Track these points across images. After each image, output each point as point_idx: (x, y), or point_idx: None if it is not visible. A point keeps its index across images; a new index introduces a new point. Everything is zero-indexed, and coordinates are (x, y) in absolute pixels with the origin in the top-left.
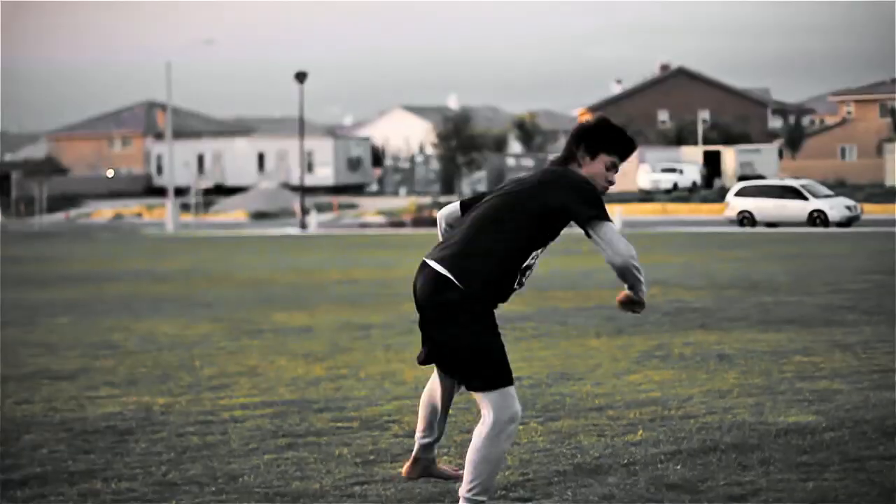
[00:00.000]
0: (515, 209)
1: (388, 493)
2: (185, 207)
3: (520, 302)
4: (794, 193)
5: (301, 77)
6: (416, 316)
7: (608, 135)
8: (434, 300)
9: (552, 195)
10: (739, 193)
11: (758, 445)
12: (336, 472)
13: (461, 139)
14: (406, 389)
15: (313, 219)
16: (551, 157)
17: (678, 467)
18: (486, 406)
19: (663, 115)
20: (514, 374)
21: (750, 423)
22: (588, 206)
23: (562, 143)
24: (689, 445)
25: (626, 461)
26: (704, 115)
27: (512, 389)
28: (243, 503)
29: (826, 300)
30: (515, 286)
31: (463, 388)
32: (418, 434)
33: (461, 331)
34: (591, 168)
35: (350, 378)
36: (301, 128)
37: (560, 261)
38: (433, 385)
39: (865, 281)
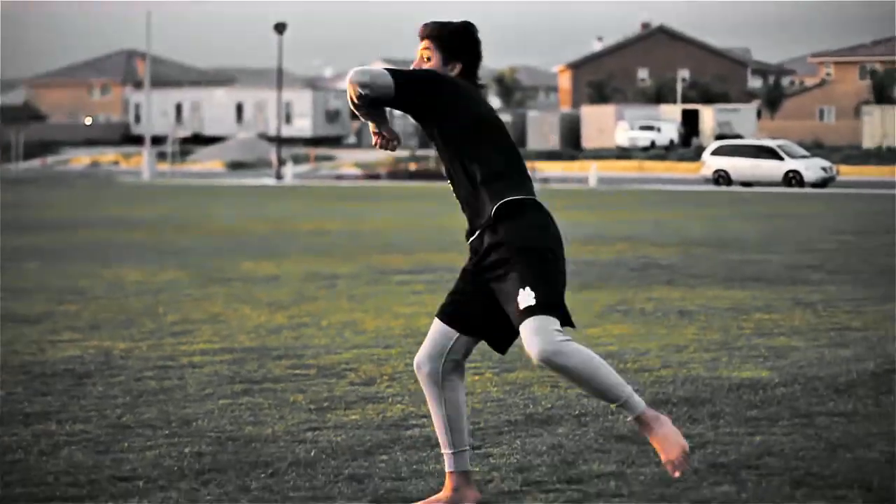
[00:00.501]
0: None
1: (338, 439)
2: (161, 156)
3: None
4: (770, 153)
5: (280, 28)
6: (382, 264)
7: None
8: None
9: None
10: (715, 152)
11: (709, 399)
12: (289, 418)
13: None
14: (366, 338)
15: (289, 170)
16: (531, 112)
17: (628, 419)
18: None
19: (643, 73)
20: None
21: (703, 378)
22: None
23: (541, 99)
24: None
25: (577, 412)
26: (684, 73)
27: None
28: (195, 446)
29: (793, 259)
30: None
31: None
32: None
33: None
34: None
35: (311, 326)
36: (279, 79)
37: None
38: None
39: (835, 241)
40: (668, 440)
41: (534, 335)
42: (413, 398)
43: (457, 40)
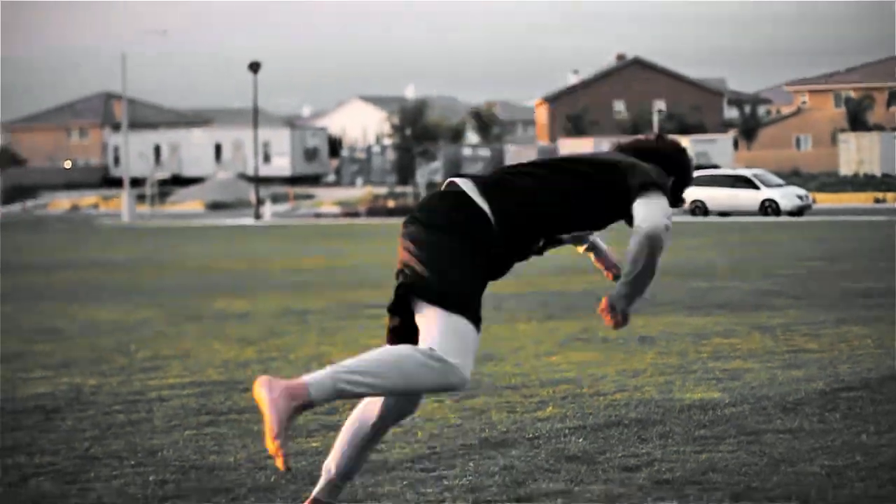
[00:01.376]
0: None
1: (299, 465)
2: (141, 198)
3: None
4: (745, 183)
5: (255, 67)
6: (355, 299)
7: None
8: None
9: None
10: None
11: (660, 420)
12: (252, 447)
13: (416, 129)
14: None
15: (268, 209)
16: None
17: (580, 440)
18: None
19: (619, 106)
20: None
21: (656, 400)
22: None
23: (519, 132)
24: (594, 421)
25: (531, 435)
26: (660, 105)
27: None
28: (159, 475)
29: (758, 286)
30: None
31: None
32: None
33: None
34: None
35: (279, 360)
36: (255, 118)
37: None
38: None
39: (802, 267)
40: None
41: None
42: None
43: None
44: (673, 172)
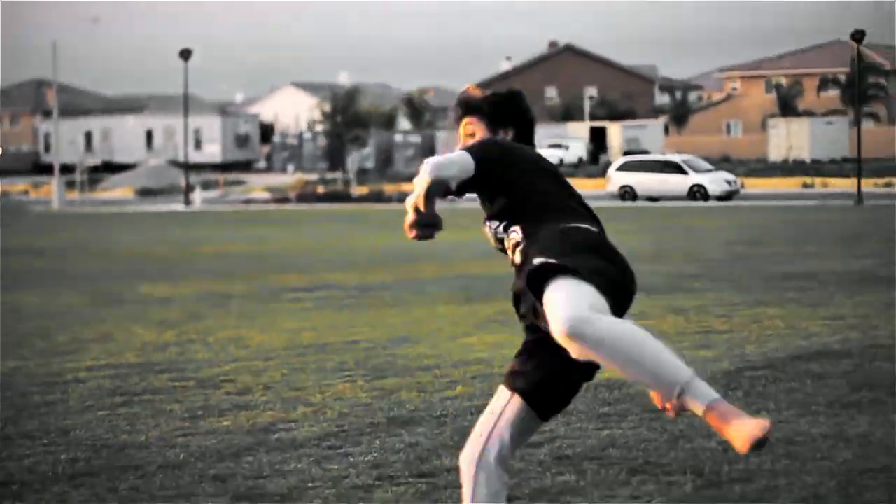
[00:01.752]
0: None
1: (208, 443)
2: (71, 185)
3: (383, 271)
4: (674, 168)
5: (185, 55)
6: (278, 284)
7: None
8: None
9: None
10: (621, 168)
11: None
12: (164, 426)
13: (347, 116)
14: (248, 353)
15: (198, 195)
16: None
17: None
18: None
19: (551, 92)
20: (355, 338)
21: None
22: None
23: (452, 119)
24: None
25: (438, 414)
26: (591, 91)
27: None
28: (71, 453)
29: (680, 269)
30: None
31: None
32: None
33: None
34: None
35: (197, 343)
36: (185, 105)
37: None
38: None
39: (725, 251)
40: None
41: None
42: (284, 405)
43: (503, 110)
44: (509, 122)
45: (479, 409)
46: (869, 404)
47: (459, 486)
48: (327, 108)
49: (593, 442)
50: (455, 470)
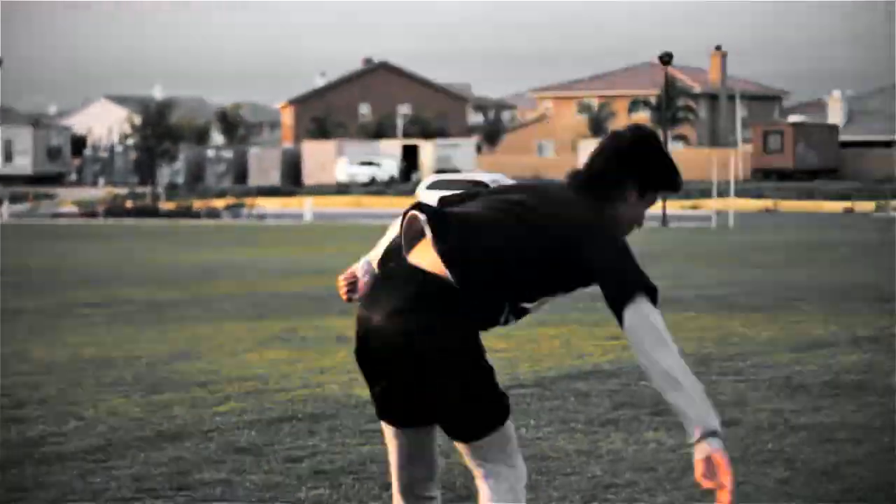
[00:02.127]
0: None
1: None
2: None
3: (176, 288)
4: (483, 187)
5: None
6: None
7: (667, 170)
8: None
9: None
10: (431, 187)
11: (334, 414)
12: None
13: (159, 129)
14: (29, 367)
15: (5, 209)
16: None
17: (252, 433)
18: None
19: (364, 109)
20: (138, 354)
21: (336, 396)
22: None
23: (266, 135)
24: (270, 415)
25: (206, 428)
26: (405, 109)
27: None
28: None
29: None
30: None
31: None
32: None
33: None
34: (637, 209)
35: None
36: None
37: (232, 251)
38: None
39: None
40: None
41: None
42: (56, 419)
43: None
44: (632, 174)
45: (248, 425)
46: (626, 422)
47: (216, 500)
48: (138, 120)
49: (353, 457)
50: (214, 483)
